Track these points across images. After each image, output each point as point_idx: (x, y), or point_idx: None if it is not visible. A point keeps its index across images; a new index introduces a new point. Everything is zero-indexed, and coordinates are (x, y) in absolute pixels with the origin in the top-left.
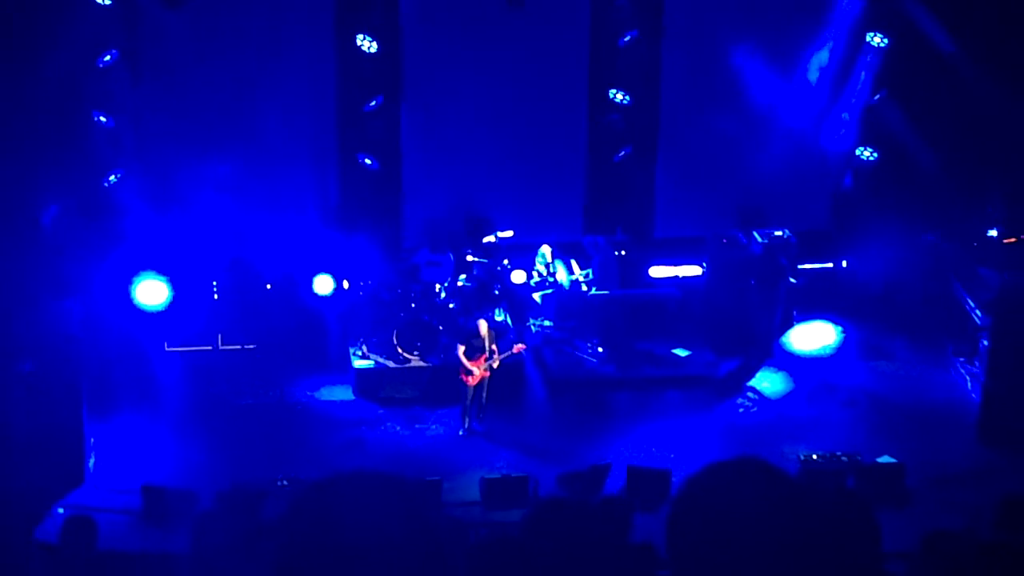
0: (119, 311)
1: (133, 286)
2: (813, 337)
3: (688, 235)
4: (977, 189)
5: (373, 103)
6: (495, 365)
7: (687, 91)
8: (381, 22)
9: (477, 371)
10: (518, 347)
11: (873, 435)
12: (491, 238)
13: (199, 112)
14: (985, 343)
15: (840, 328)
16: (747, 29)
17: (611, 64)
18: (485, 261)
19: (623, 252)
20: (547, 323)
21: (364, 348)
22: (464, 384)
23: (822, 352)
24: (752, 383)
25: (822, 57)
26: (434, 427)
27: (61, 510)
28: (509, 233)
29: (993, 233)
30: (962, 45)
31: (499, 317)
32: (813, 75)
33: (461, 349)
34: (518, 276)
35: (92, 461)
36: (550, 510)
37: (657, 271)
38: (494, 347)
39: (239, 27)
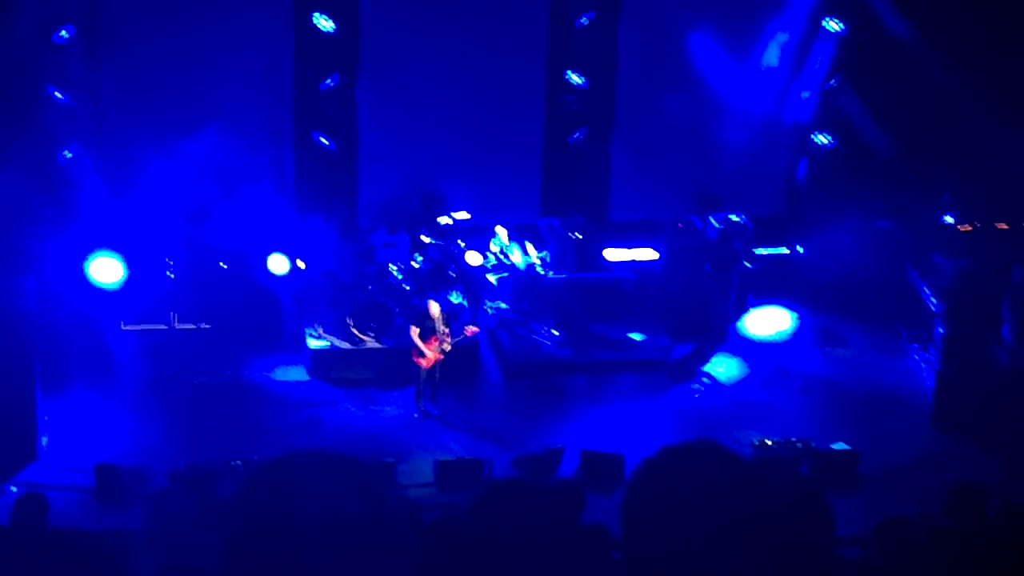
0: (73, 288)
1: (88, 263)
2: (768, 322)
3: (644, 219)
4: (932, 176)
5: (330, 82)
6: (447, 347)
7: (644, 73)
8: (339, 0)
9: (430, 353)
10: (471, 329)
11: (827, 421)
12: (447, 219)
13: (156, 89)
14: (940, 330)
15: (795, 314)
16: (705, 12)
17: (568, 45)
18: (441, 242)
19: (579, 235)
20: (503, 305)
21: (319, 328)
22: (417, 366)
23: (777, 337)
24: (706, 368)
25: (780, 40)
26: (389, 408)
27: (13, 488)
28: (465, 214)
29: (948, 220)
30: (918, 32)
31: (455, 299)
32: (771, 57)
33: (415, 331)
34: (474, 258)
35: (45, 439)
36: (503, 491)
37: (613, 254)
38: (446, 329)
39: (197, 4)
